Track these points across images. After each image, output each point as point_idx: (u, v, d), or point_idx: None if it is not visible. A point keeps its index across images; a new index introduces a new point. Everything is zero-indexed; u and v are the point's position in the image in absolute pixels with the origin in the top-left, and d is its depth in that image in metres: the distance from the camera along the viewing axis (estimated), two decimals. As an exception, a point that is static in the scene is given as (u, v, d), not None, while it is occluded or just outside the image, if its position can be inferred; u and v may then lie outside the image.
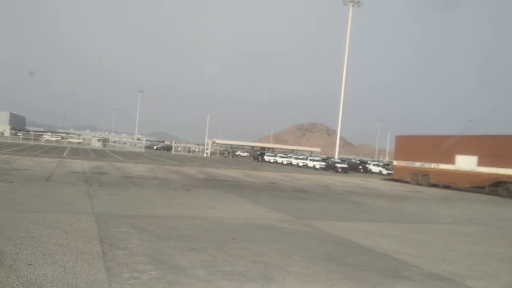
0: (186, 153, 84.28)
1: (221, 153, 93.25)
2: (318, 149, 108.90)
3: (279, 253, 8.26)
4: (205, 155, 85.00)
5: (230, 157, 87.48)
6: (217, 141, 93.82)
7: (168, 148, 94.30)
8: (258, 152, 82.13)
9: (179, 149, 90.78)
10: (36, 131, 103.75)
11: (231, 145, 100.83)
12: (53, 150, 49.25)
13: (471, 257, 9.52)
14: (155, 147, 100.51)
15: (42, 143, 72.63)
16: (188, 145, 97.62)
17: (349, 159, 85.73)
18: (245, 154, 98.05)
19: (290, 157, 68.53)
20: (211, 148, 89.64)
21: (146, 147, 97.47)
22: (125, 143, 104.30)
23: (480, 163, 32.10)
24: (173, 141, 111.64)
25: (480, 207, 22.82)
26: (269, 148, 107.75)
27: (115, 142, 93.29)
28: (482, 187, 32.40)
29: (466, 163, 33.22)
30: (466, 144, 33.79)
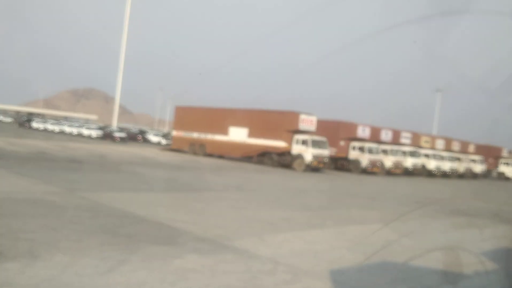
0: None
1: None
2: (95, 117, 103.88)
3: (47, 229, 7.58)
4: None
5: None
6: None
7: None
8: (25, 118, 73.90)
9: None
10: None
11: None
12: None
13: (239, 221, 10.45)
14: None
15: None
16: None
17: (128, 128, 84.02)
18: (9, 119, 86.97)
19: (63, 124, 63.68)
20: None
21: None
22: None
23: (250, 135, 35.39)
24: None
25: (249, 175, 25.30)
26: (38, 114, 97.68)
27: None
28: (251, 157, 35.93)
29: (238, 134, 36.19)
30: (238, 117, 36.79)
